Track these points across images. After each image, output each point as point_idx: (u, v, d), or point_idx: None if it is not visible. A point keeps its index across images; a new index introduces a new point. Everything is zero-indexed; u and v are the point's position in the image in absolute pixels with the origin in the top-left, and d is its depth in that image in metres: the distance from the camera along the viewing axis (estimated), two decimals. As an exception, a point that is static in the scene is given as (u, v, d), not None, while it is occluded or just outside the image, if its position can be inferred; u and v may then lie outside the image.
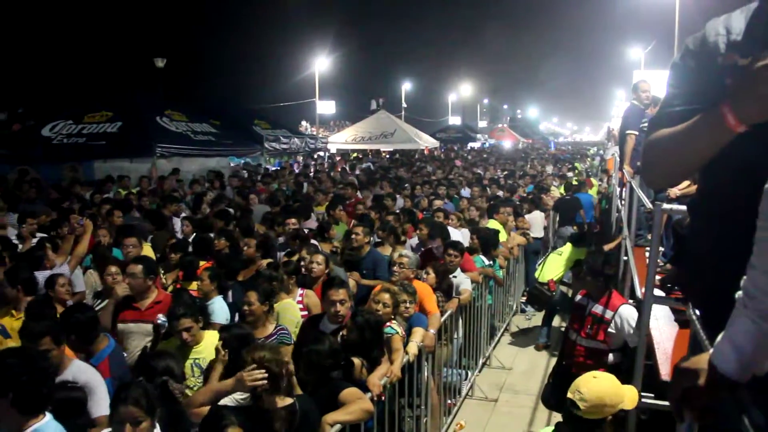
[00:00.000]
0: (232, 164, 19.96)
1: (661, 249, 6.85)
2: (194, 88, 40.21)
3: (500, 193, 16.04)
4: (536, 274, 10.22)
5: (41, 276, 6.94)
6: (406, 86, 65.60)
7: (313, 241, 8.57)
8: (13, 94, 35.85)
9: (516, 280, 11.57)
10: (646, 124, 9.10)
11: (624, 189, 11.03)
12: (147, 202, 12.25)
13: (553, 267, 9.93)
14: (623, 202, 10.41)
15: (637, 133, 9.01)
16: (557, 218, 15.61)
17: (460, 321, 7.81)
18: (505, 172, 21.38)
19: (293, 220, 9.50)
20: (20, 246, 9.30)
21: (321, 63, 48.32)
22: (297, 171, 21.71)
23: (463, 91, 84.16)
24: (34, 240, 9.03)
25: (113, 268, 6.90)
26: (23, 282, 6.55)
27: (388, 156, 30.97)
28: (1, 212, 10.89)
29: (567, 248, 10.54)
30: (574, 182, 19.21)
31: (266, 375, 4.14)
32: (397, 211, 11.32)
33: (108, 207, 10.55)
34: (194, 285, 7.18)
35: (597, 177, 23.93)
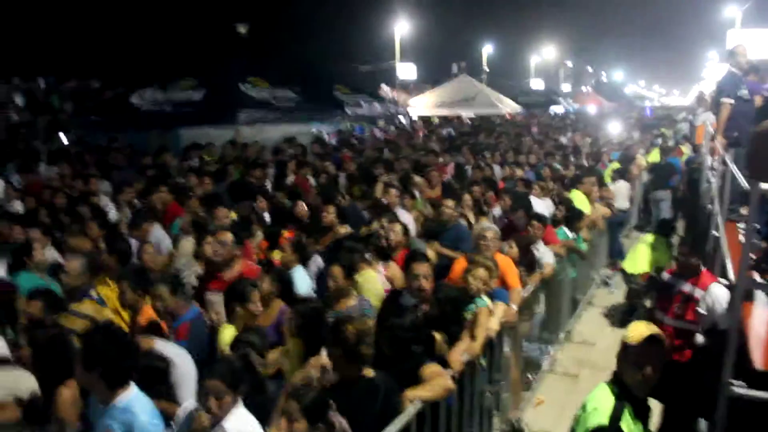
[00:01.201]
0: (313, 129, 20.09)
1: (756, 225, 6.56)
2: (276, 53, 40.35)
3: (584, 161, 15.71)
4: (625, 265, 9.89)
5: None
6: (488, 48, 64.38)
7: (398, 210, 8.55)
8: (102, 62, 36.92)
9: (599, 252, 11.33)
10: (744, 93, 8.69)
11: (714, 159, 10.62)
12: (232, 170, 12.45)
13: (642, 259, 9.55)
14: (714, 173, 10.02)
15: (733, 101, 8.60)
16: (651, 182, 15.49)
17: (542, 295, 7.71)
18: (589, 139, 20.86)
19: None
20: (116, 214, 9.67)
21: (401, 26, 47.91)
22: (378, 136, 21.73)
23: (545, 53, 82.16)
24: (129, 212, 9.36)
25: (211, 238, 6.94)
26: (119, 251, 6.80)
27: (469, 122, 30.61)
28: (94, 179, 11.30)
29: (651, 238, 10.24)
30: (667, 145, 18.77)
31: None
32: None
33: (196, 178, 10.77)
34: (277, 254, 7.31)
35: (685, 144, 23.11)
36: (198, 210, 8.61)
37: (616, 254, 12.48)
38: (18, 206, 10.32)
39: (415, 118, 30.42)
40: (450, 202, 8.19)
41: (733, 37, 32.61)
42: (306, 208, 8.66)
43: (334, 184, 10.91)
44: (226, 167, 12.46)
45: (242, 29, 26.73)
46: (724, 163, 8.05)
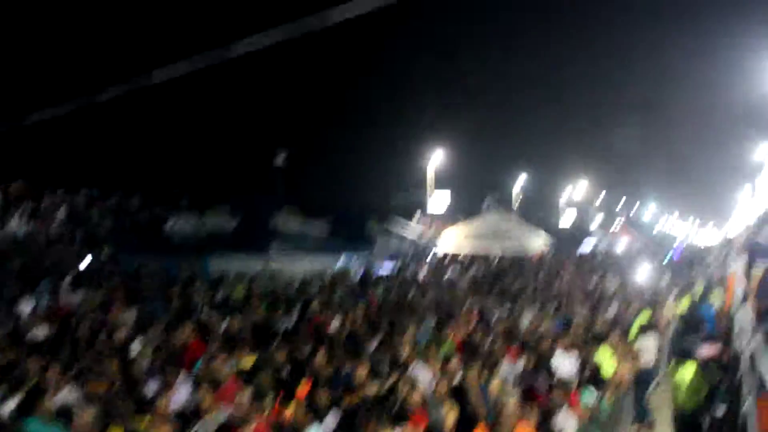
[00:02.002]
0: (341, 263, 20.24)
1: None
2: (311, 183, 41.44)
3: (612, 309, 15.49)
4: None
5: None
6: (521, 179, 65.31)
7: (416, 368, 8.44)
8: (145, 181, 38.06)
9: (624, 410, 10.98)
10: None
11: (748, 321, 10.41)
12: (257, 305, 12.50)
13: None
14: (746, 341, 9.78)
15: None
16: (680, 331, 15.30)
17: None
18: (618, 284, 20.65)
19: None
20: (139, 348, 9.69)
21: (436, 156, 49.00)
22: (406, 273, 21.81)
23: (578, 184, 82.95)
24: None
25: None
26: (136, 398, 6.80)
27: (497, 259, 30.65)
28: (118, 309, 11.35)
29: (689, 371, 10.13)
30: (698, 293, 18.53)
31: None
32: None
33: (219, 318, 10.88)
34: (292, 407, 7.20)
35: (716, 290, 22.77)
36: (217, 354, 8.57)
37: (642, 414, 12.11)
38: (41, 332, 10.43)
39: (444, 251, 30.52)
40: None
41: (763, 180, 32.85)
42: (325, 360, 8.58)
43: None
44: (250, 302, 12.56)
45: (280, 159, 27.60)
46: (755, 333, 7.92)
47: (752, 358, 8.06)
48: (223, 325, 11.01)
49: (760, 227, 9.12)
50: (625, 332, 12.44)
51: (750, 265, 8.93)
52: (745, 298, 9.20)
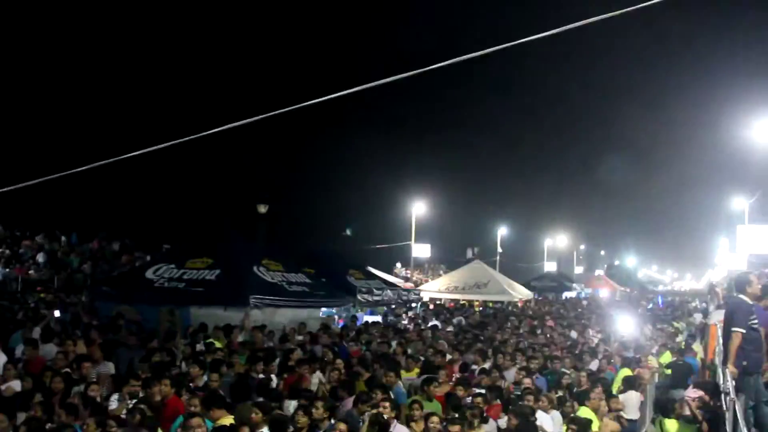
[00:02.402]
0: (321, 313, 20.08)
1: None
2: (292, 234, 41.48)
3: (594, 363, 15.44)
4: None
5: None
6: (502, 231, 65.70)
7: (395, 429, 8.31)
8: (124, 226, 37.89)
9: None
10: (755, 322, 8.65)
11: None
12: (237, 359, 12.31)
13: None
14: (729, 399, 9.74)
15: (744, 331, 8.53)
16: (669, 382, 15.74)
17: None
18: (600, 337, 20.64)
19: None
20: (117, 404, 9.49)
21: (417, 207, 49.26)
22: (388, 322, 21.71)
23: (559, 238, 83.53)
24: (130, 402, 9.18)
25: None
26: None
27: (481, 308, 30.63)
28: (87, 365, 11.08)
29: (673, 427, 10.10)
30: (680, 346, 18.64)
31: None
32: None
33: (198, 371, 10.72)
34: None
35: (699, 340, 22.84)
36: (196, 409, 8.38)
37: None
38: (16, 386, 10.20)
39: (427, 299, 30.49)
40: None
41: (742, 232, 33.28)
42: (305, 419, 8.43)
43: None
44: (231, 355, 12.38)
45: (262, 208, 27.57)
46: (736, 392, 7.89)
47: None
48: (203, 380, 10.86)
49: (738, 288, 9.14)
50: (608, 388, 12.35)
51: (729, 324, 8.91)
52: (724, 362, 9.18)
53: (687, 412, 10.63)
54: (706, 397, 11.09)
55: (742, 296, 8.81)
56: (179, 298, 16.87)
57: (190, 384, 10.61)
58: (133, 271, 20.63)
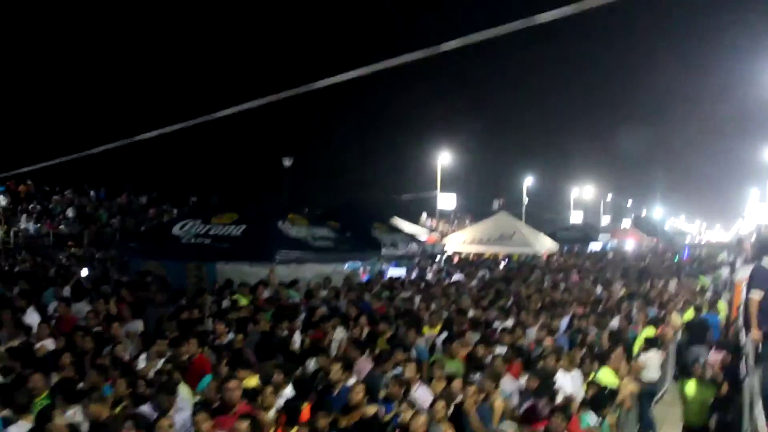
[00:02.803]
0: (346, 267, 20.21)
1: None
2: (318, 186, 41.51)
3: (616, 320, 15.45)
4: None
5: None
6: (528, 181, 65.28)
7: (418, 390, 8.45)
8: (152, 180, 38.25)
9: (629, 426, 10.97)
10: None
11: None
12: (261, 317, 12.48)
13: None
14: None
15: (758, 297, 8.49)
16: (686, 340, 15.47)
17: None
18: (626, 292, 20.53)
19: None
20: (144, 362, 9.74)
21: (443, 157, 49.00)
22: (413, 276, 21.81)
23: (586, 187, 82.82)
24: (160, 362, 9.41)
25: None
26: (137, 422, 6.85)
27: (505, 260, 30.61)
28: (117, 325, 11.31)
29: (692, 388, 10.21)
30: (704, 303, 18.59)
31: None
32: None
33: (224, 329, 10.94)
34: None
35: (726, 294, 22.66)
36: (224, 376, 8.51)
37: (647, 427, 12.12)
38: (50, 345, 10.48)
39: (451, 252, 30.55)
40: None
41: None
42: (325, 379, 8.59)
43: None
44: (257, 313, 12.56)
45: (287, 161, 27.65)
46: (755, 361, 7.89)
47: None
48: (227, 338, 11.08)
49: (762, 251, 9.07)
50: (630, 347, 12.40)
51: (749, 289, 8.86)
52: (746, 326, 9.16)
53: (709, 374, 10.68)
54: (728, 359, 11.14)
55: (765, 260, 8.74)
56: (206, 253, 17.06)
57: (216, 342, 10.84)
58: (159, 226, 20.88)
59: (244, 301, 14.16)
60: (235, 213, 18.10)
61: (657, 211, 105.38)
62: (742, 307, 11.85)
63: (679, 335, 16.65)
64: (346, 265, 19.79)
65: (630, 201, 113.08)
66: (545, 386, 8.39)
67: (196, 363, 9.58)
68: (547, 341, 11.47)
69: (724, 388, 10.06)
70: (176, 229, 18.28)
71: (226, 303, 14.05)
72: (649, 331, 13.83)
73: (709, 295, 22.04)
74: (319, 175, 44.84)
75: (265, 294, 15.18)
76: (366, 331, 11.99)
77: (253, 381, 8.45)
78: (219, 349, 10.13)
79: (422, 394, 8.39)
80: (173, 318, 11.80)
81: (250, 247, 16.70)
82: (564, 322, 14.14)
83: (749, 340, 8.44)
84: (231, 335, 11.18)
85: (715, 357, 11.30)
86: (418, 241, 23.33)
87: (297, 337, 11.87)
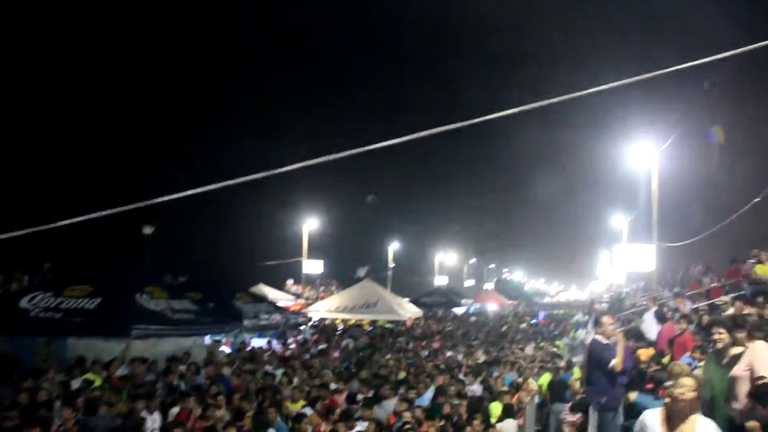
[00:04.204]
0: (207, 340, 19.74)
1: None
2: (182, 252, 40.58)
3: (477, 386, 15.90)
4: None
5: None
6: (394, 246, 66.43)
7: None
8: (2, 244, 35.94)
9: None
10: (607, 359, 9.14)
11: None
12: (108, 396, 11.90)
13: None
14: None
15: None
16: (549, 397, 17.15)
17: None
18: (484, 359, 21.22)
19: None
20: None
21: (310, 223, 49.23)
22: (275, 346, 21.58)
23: (449, 252, 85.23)
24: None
25: None
26: None
27: (370, 329, 30.89)
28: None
29: None
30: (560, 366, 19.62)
31: None
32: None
33: (71, 413, 10.36)
34: None
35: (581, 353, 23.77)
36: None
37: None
38: None
39: (316, 320, 30.52)
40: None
41: (619, 251, 35.12)
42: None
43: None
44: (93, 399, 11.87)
45: (147, 230, 26.93)
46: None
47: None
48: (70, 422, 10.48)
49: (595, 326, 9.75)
50: (486, 416, 12.71)
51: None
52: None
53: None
54: (581, 419, 11.69)
55: (597, 336, 9.27)
56: (56, 328, 16.19)
57: (61, 429, 10.25)
58: (6, 298, 19.65)
59: (97, 381, 13.50)
60: (90, 285, 17.34)
61: (517, 275, 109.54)
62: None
63: (536, 398, 17.42)
64: (207, 338, 19.34)
65: (492, 265, 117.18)
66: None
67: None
68: (406, 416, 11.59)
69: None
70: (24, 302, 17.26)
71: (76, 383, 13.34)
72: (508, 397, 14.29)
73: (565, 357, 23.22)
74: (182, 243, 43.75)
75: (120, 371, 14.57)
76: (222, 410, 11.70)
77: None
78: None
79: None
80: (14, 405, 11.04)
81: (105, 322, 15.99)
82: (428, 393, 14.35)
83: (590, 414, 8.94)
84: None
85: (570, 419, 11.80)
86: (282, 311, 23.13)
87: (156, 417, 11.45)
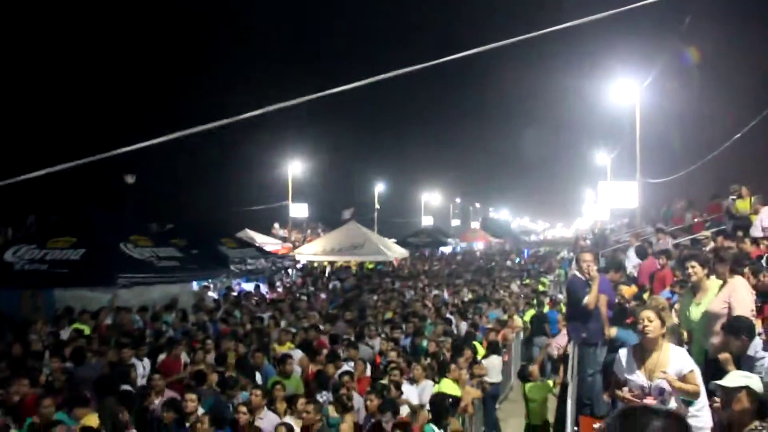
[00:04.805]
0: (195, 286, 19.83)
1: None
2: (164, 200, 40.32)
3: (463, 324, 16.11)
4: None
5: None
6: (380, 187, 66.34)
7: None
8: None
9: (473, 427, 11.41)
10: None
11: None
12: (97, 345, 11.98)
13: None
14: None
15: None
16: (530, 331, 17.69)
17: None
18: (470, 297, 21.47)
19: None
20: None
21: (294, 166, 48.99)
22: (263, 291, 21.69)
23: (434, 193, 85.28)
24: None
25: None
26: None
27: (358, 269, 31.10)
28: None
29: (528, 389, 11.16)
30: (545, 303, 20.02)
31: None
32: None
33: (59, 364, 10.42)
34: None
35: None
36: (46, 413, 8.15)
37: (491, 428, 12.71)
38: None
39: (303, 262, 30.70)
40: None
41: (603, 188, 35.31)
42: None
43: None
44: (80, 348, 11.91)
45: (130, 179, 26.69)
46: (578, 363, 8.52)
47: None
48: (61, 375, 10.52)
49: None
50: (473, 353, 12.89)
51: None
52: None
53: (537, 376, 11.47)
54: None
55: (576, 273, 9.33)
56: (42, 280, 16.17)
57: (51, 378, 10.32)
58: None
59: (86, 330, 13.56)
60: (74, 237, 17.25)
61: (503, 213, 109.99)
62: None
63: (521, 334, 17.75)
64: (194, 284, 19.42)
65: (478, 204, 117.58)
66: (388, 405, 8.61)
67: (28, 404, 9.08)
68: (391, 355, 11.75)
69: (559, 379, 10.82)
70: (8, 255, 17.19)
71: (65, 333, 13.40)
72: (493, 334, 14.48)
73: (551, 293, 23.59)
74: (164, 191, 43.49)
75: (108, 320, 14.64)
76: (212, 354, 11.83)
77: (92, 420, 8.13)
78: (50, 387, 9.66)
79: (269, 421, 8.41)
80: (2, 357, 11.09)
81: (91, 272, 15.97)
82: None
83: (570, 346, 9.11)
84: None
85: (558, 342, 11.98)
86: (268, 255, 23.18)
87: (146, 363, 11.58)
